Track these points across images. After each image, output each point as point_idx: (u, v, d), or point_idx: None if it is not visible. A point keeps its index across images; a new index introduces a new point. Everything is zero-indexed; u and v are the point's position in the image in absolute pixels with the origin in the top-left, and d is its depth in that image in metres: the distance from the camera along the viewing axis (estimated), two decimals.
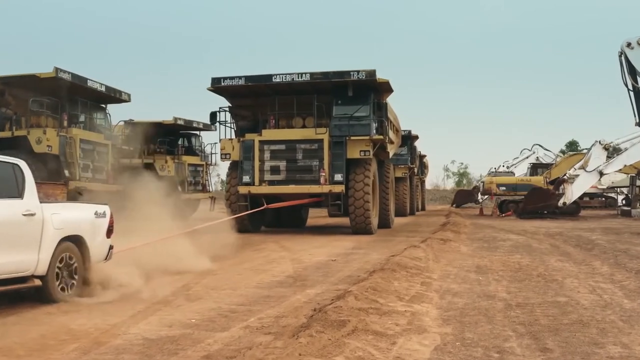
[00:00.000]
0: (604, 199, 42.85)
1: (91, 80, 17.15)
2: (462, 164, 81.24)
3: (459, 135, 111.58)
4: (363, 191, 14.50)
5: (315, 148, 14.77)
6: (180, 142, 24.03)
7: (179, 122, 22.32)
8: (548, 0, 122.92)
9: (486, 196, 33.75)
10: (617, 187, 34.22)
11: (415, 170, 30.50)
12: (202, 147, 24.91)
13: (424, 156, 38.64)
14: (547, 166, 33.21)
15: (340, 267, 8.55)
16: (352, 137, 14.73)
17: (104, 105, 19.09)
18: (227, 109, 15.62)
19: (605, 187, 34.21)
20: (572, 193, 25.78)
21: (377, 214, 16.16)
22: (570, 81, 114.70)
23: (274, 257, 10.09)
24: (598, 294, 6.25)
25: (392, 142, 17.75)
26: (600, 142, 25.81)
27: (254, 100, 15.80)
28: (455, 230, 15.92)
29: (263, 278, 7.54)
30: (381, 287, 6.00)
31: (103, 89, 17.73)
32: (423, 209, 39.43)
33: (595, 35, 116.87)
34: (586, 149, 28.74)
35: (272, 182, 14.86)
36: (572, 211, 27.44)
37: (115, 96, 18.51)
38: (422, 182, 39.86)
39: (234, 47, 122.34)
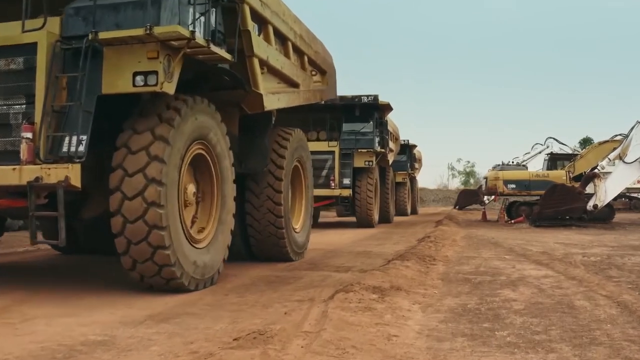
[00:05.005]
0: (627, 199, 36.22)
1: None
2: (468, 162, 76.70)
3: (464, 134, 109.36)
4: (145, 178, 5.38)
5: (19, 69, 5.42)
6: None
7: None
8: (552, 1, 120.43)
9: (491, 196, 26.52)
10: None
11: (390, 158, 21.37)
12: None
13: (415, 146, 31.36)
14: (570, 157, 26.11)
15: None
16: (105, 36, 5.27)
17: None
18: None
19: None
20: (605, 193, 19.23)
21: (211, 237, 6.51)
22: (573, 81, 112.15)
23: None
24: None
25: (285, 80, 8.51)
26: None
27: None
28: (430, 257, 9.14)
29: None
30: None
31: None
32: (414, 212, 32.38)
33: (598, 36, 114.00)
34: (622, 134, 21.68)
35: None
36: (605, 216, 20.82)
37: None
38: (413, 180, 32.39)
39: None
